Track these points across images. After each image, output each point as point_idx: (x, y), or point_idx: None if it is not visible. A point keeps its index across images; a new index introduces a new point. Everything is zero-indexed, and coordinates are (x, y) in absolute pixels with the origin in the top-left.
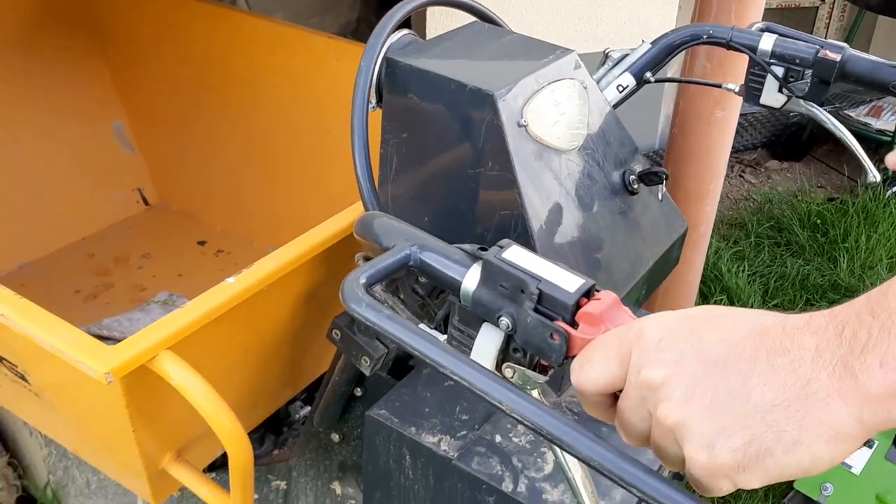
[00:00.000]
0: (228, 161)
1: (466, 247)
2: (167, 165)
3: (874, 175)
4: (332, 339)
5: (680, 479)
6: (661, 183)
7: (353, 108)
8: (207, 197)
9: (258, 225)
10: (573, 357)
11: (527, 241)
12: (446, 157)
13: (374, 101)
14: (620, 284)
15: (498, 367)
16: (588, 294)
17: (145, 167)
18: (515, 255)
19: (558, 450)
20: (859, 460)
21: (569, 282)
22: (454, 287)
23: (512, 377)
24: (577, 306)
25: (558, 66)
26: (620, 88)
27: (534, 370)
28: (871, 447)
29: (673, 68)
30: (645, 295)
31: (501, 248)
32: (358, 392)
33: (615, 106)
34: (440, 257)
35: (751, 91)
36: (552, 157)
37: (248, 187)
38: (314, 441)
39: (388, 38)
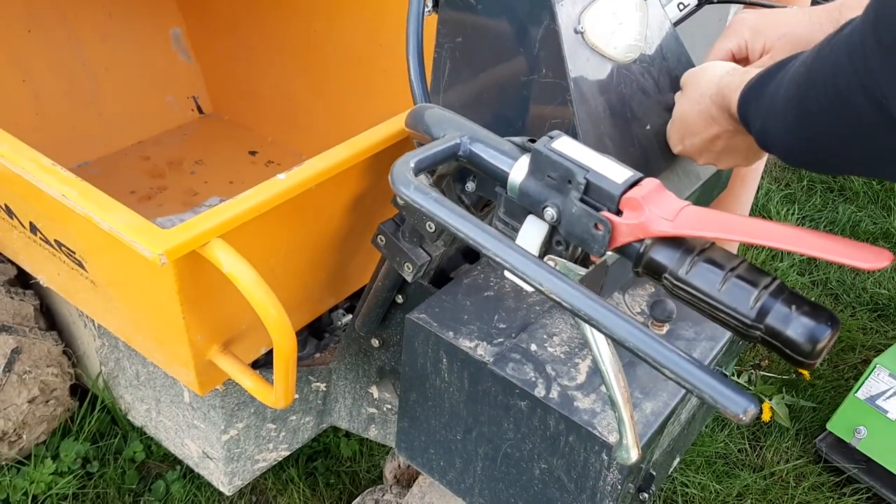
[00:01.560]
0: (282, 72)
1: (517, 140)
2: (222, 75)
3: None
4: (377, 245)
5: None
6: None
7: (409, 11)
8: (260, 108)
9: (308, 138)
10: (616, 248)
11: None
12: (500, 62)
13: (430, 4)
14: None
15: (540, 258)
16: (635, 186)
17: (200, 75)
18: (565, 145)
19: (592, 339)
20: (895, 405)
21: (617, 173)
22: (502, 178)
23: (554, 269)
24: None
25: None
26: (681, 6)
27: (576, 262)
28: None
29: None
30: None
31: (552, 138)
32: (399, 299)
33: (675, 24)
34: (489, 148)
35: None
36: (607, 67)
37: (300, 100)
38: (354, 346)
39: None
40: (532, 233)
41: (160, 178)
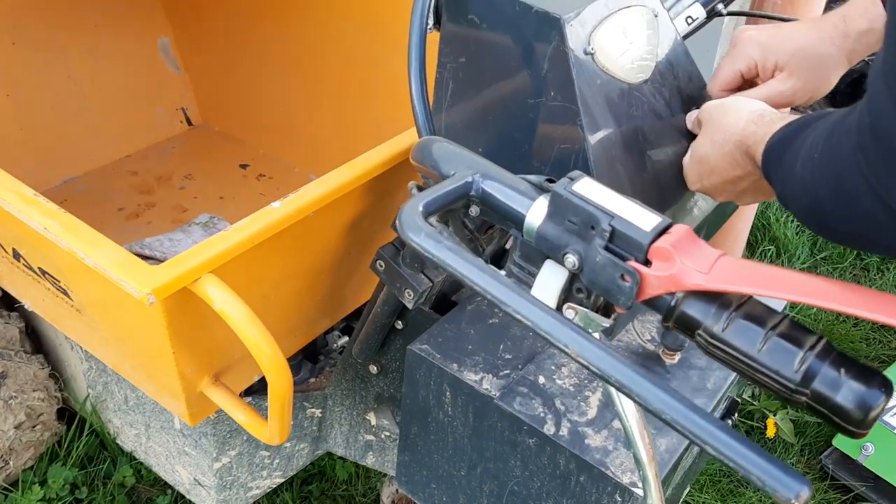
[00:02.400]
0: (274, 83)
1: (532, 178)
2: (212, 85)
3: None
4: (376, 271)
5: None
6: None
7: (411, 29)
8: (251, 120)
9: (301, 151)
10: (644, 301)
11: (585, 167)
12: (506, 84)
13: (431, 22)
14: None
15: (559, 307)
16: (664, 234)
17: (190, 86)
18: (587, 188)
19: (616, 397)
20: None
21: (644, 219)
22: (517, 220)
23: (573, 319)
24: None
25: None
26: (689, 20)
27: (597, 312)
28: None
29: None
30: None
31: (572, 179)
32: (399, 325)
33: (683, 38)
34: (504, 187)
35: None
36: (618, 89)
37: (293, 111)
38: (351, 371)
39: None
40: (550, 280)
41: (148, 194)
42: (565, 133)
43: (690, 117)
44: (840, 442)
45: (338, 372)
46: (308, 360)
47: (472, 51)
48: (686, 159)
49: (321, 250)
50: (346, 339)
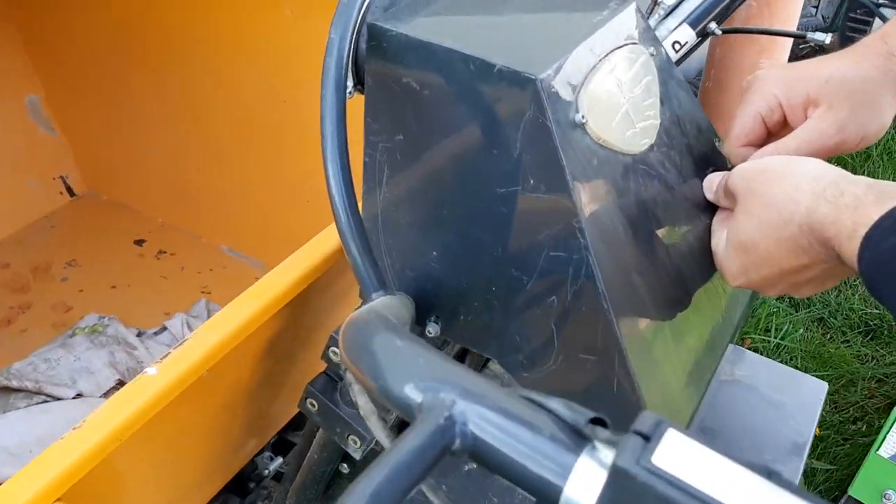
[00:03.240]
0: (168, 140)
1: (555, 403)
2: (95, 147)
3: None
4: (307, 411)
5: None
6: None
7: (324, 103)
8: (144, 184)
9: (207, 217)
10: None
11: (592, 294)
12: (464, 168)
13: (351, 84)
14: (717, 343)
15: None
16: None
17: (68, 150)
18: (678, 458)
19: None
20: None
21: None
22: (544, 493)
23: None
24: None
25: (616, 25)
26: (677, 46)
27: None
28: None
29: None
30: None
31: (645, 438)
32: (345, 468)
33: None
34: (513, 434)
35: (848, 43)
36: (621, 166)
37: (192, 171)
38: None
39: None
40: None
41: (23, 293)
42: (556, 236)
43: (711, 185)
44: (857, 490)
45: None
46: (235, 493)
47: (411, 127)
48: (720, 248)
49: (230, 390)
50: (279, 460)
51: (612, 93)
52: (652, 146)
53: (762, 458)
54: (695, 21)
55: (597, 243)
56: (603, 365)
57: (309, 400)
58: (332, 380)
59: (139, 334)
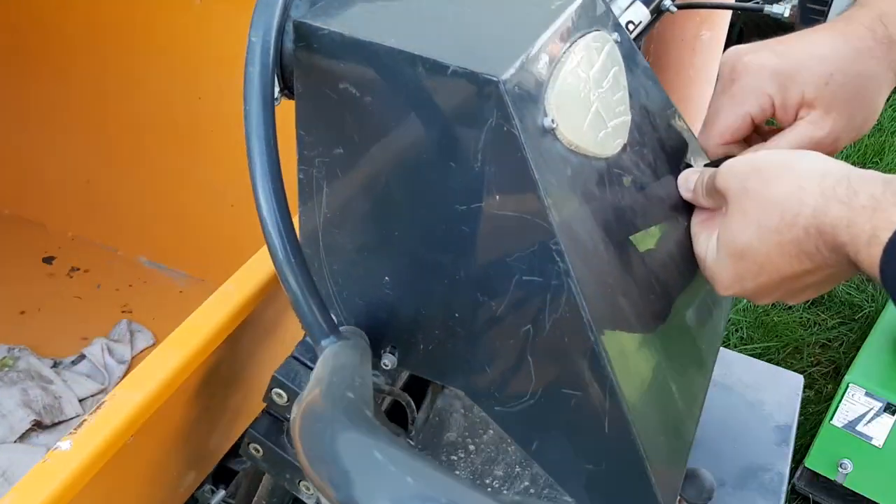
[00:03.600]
0: (71, 146)
1: None
2: None
3: None
4: (251, 457)
5: None
6: None
7: (248, 120)
8: (50, 196)
9: (121, 227)
10: None
11: (575, 324)
12: (415, 184)
13: (277, 89)
14: (707, 359)
15: None
16: None
17: None
18: None
19: None
20: (880, 430)
21: None
22: None
23: None
24: None
25: (576, 9)
26: (631, 27)
27: None
28: (893, 414)
29: None
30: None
31: None
32: None
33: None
34: None
35: (809, 14)
36: (595, 173)
37: (100, 179)
38: None
39: None
40: None
41: None
42: (529, 258)
43: (688, 183)
44: (812, 461)
45: None
46: None
47: (352, 138)
48: (708, 255)
49: (160, 446)
50: (221, 492)
51: (581, 90)
52: (625, 146)
53: (747, 464)
54: None
55: (578, 266)
56: (590, 402)
57: (252, 445)
58: (276, 420)
59: (55, 365)
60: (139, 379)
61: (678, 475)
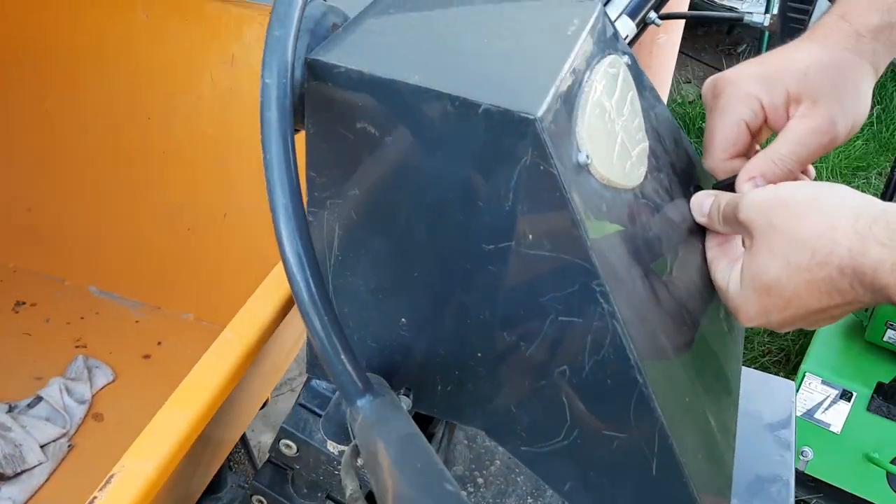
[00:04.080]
0: (11, 169)
1: None
2: None
3: None
4: None
5: None
6: None
7: (270, 170)
8: None
9: (69, 256)
10: None
11: (621, 366)
12: (438, 225)
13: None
14: (734, 385)
15: None
16: None
17: None
18: None
19: None
20: (837, 417)
21: None
22: None
23: None
24: None
25: (591, 33)
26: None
27: None
28: (848, 401)
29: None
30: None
31: None
32: None
33: None
34: None
35: (790, 23)
36: (626, 206)
37: (44, 205)
38: None
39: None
40: None
41: None
42: (566, 299)
43: (701, 207)
44: None
45: None
46: None
47: (369, 180)
48: (731, 287)
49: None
50: None
51: (606, 120)
52: (646, 174)
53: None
54: (634, 11)
55: (622, 307)
56: (637, 445)
57: (256, 497)
58: (279, 469)
59: (10, 409)
60: (148, 446)
61: None
